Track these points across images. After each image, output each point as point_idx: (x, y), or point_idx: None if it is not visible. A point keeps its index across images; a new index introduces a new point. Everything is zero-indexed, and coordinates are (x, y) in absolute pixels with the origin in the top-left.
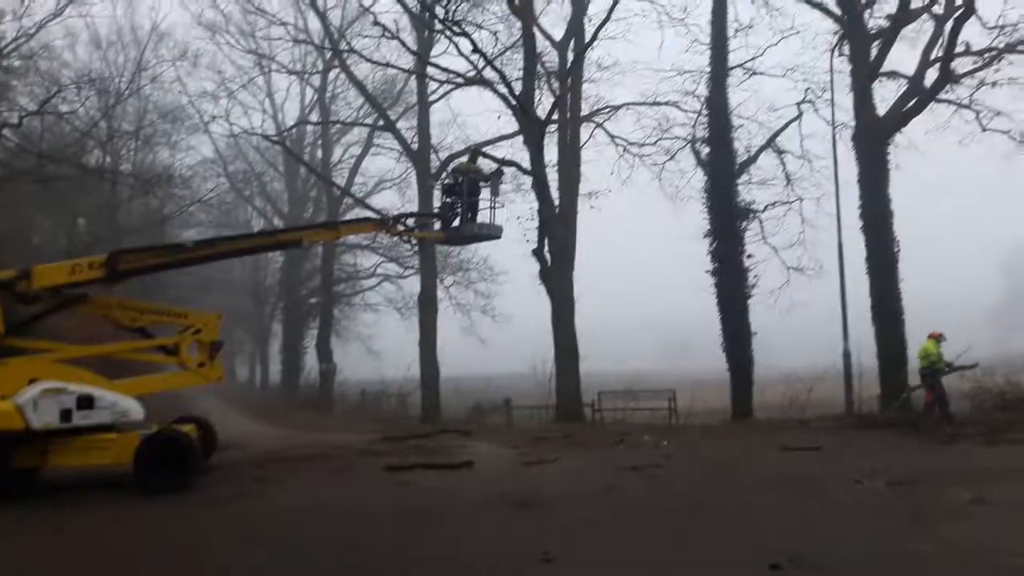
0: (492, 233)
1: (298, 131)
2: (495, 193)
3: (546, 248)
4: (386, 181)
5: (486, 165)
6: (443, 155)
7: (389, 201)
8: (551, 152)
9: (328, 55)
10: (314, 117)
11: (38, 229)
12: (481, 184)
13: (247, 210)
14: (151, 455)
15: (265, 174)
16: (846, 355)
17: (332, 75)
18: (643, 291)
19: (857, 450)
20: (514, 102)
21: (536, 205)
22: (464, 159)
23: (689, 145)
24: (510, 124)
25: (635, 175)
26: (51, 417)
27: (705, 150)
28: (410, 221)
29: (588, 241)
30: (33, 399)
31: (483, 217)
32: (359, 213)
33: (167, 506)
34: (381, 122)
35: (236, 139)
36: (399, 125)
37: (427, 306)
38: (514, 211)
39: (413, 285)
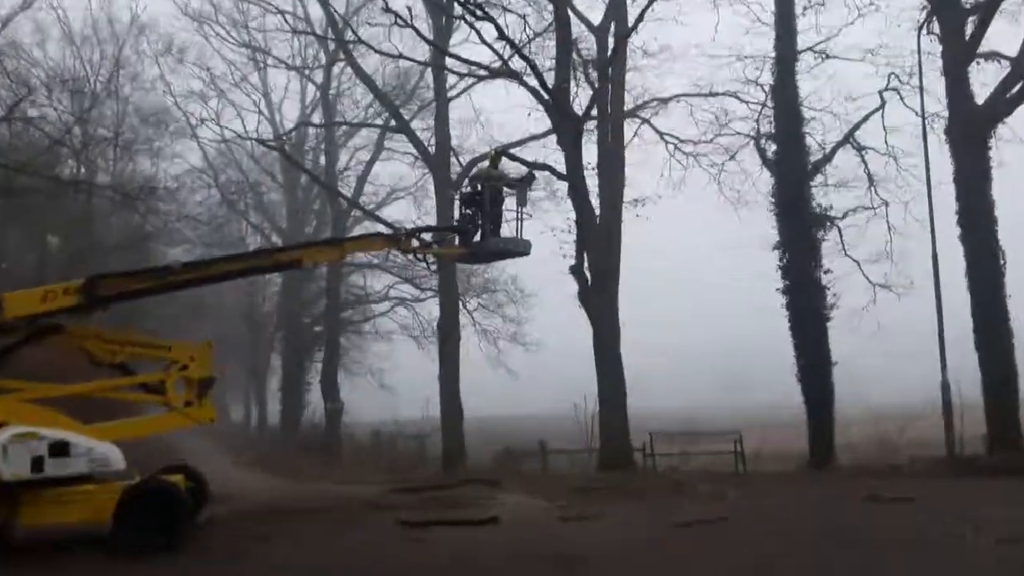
0: (519, 249)
1: (298, 134)
2: (523, 202)
3: (586, 265)
4: (399, 190)
5: (513, 169)
6: (464, 159)
7: (403, 213)
8: (590, 153)
9: (332, 47)
10: (316, 118)
11: (4, 248)
12: (506, 192)
13: (241, 226)
14: (134, 509)
15: (261, 184)
16: (945, 387)
17: (336, 70)
18: (700, 314)
19: (959, 501)
20: (546, 96)
21: (573, 215)
22: (486, 163)
23: (753, 142)
24: (542, 122)
25: (689, 178)
26: (21, 466)
27: (772, 148)
28: (427, 236)
29: (634, 256)
30: (2, 446)
31: (509, 230)
32: (368, 227)
33: (152, 568)
34: (393, 122)
35: (228, 145)
36: (414, 125)
37: (448, 334)
38: (548, 222)
39: (431, 310)
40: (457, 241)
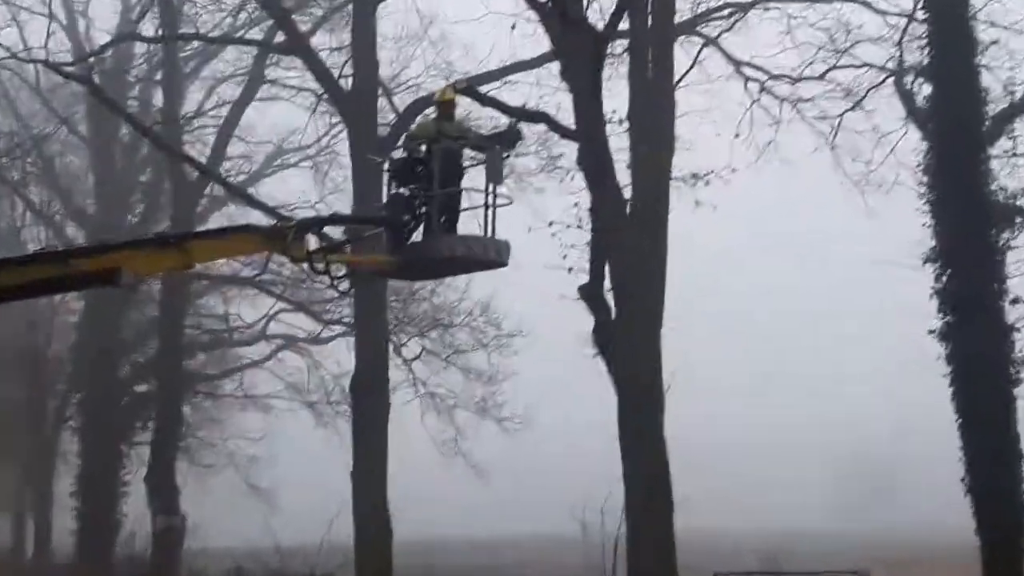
0: (488, 256)
1: (117, 55)
2: (497, 178)
3: (607, 282)
4: (290, 152)
5: (485, 119)
6: (402, 101)
7: (295, 191)
8: (616, 96)
9: None
10: (148, 29)
11: None
12: (470, 159)
13: (14, 208)
14: None
15: (53, 139)
16: None
17: None
18: (796, 373)
19: None
20: None
21: (585, 199)
22: (434, 111)
23: (892, 80)
24: (535, 41)
25: (784, 139)
26: None
27: (924, 91)
28: (333, 232)
29: (690, 270)
30: None
31: (474, 225)
32: (236, 216)
33: None
34: (281, 37)
35: None
36: (317, 42)
37: (369, 400)
38: (542, 210)
39: (341, 358)
40: (385, 241)
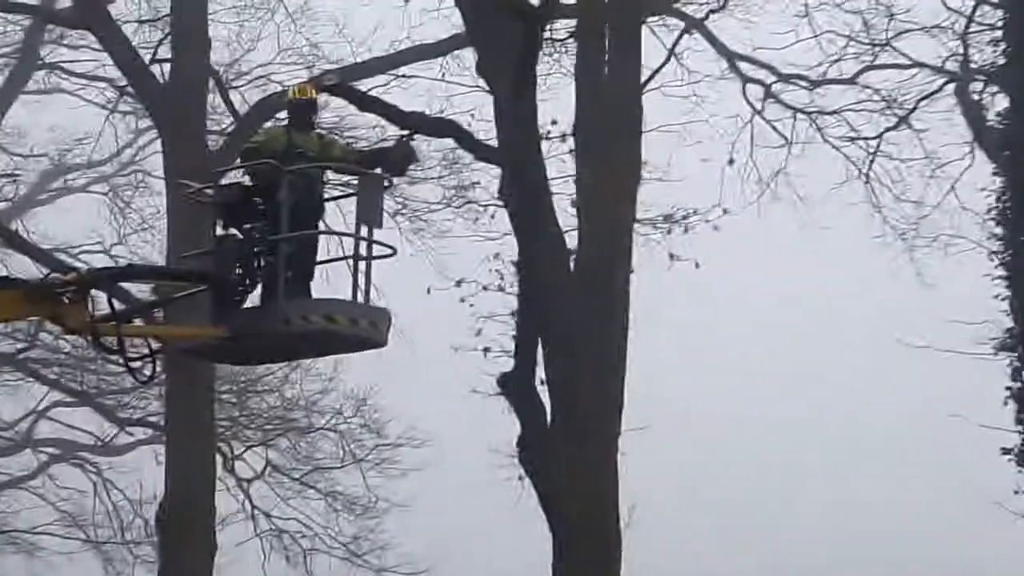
0: (358, 331)
1: None
2: (372, 216)
3: (540, 370)
4: (77, 171)
5: (363, 128)
6: (245, 99)
7: (85, 227)
8: (557, 101)
9: None
10: None
11: None
12: (332, 186)
13: None
14: None
15: None
16: None
17: None
18: (797, 504)
19: None
20: None
21: (511, 246)
22: (284, 117)
23: (954, 89)
24: (439, 22)
25: (798, 166)
26: None
27: (999, 104)
28: (134, 287)
29: (657, 349)
30: None
31: (338, 283)
32: None
33: None
34: (66, 2)
35: None
36: (117, 12)
37: (185, 538)
38: (447, 263)
39: (147, 475)
40: (210, 307)
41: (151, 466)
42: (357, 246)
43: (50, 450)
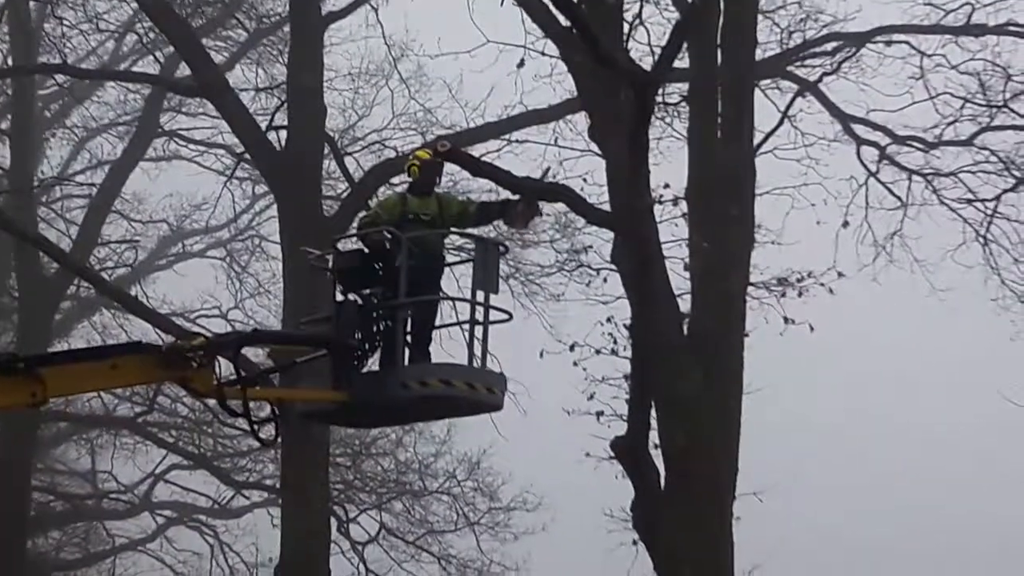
0: (477, 394)
1: None
2: (490, 283)
3: (654, 435)
4: (194, 236)
5: (476, 191)
6: (360, 165)
7: (202, 292)
8: (670, 166)
9: None
10: None
11: None
12: (454, 250)
13: None
14: None
15: None
16: None
17: None
18: None
19: None
20: (567, 19)
21: (624, 311)
22: (406, 179)
23: None
24: (551, 86)
25: (914, 229)
26: None
27: None
28: (254, 354)
29: (772, 414)
30: None
31: (456, 349)
32: (113, 325)
33: None
34: (185, 72)
35: None
36: (234, 81)
37: None
38: (560, 327)
39: (263, 538)
40: (331, 371)
41: (267, 528)
42: (474, 311)
43: (167, 513)
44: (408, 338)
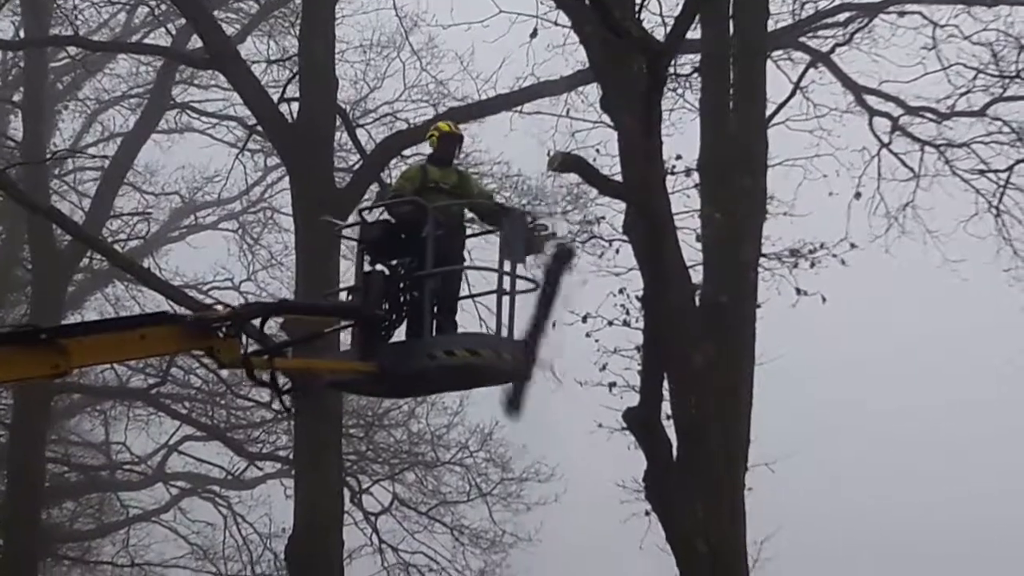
0: (504, 364)
1: None
2: (517, 254)
3: (666, 405)
4: (207, 209)
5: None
6: (372, 136)
7: (214, 264)
8: (682, 137)
9: None
10: (3, 31)
11: None
12: (477, 225)
13: None
14: None
15: None
16: None
17: None
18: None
19: None
20: None
21: (636, 282)
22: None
23: None
24: (563, 57)
25: (926, 199)
26: None
27: None
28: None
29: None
30: None
31: (482, 319)
32: (126, 297)
33: None
34: (197, 44)
35: None
36: (246, 53)
37: (314, 571)
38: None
39: (276, 509)
40: (355, 341)
41: (280, 500)
42: (500, 281)
43: (181, 484)
44: (435, 309)
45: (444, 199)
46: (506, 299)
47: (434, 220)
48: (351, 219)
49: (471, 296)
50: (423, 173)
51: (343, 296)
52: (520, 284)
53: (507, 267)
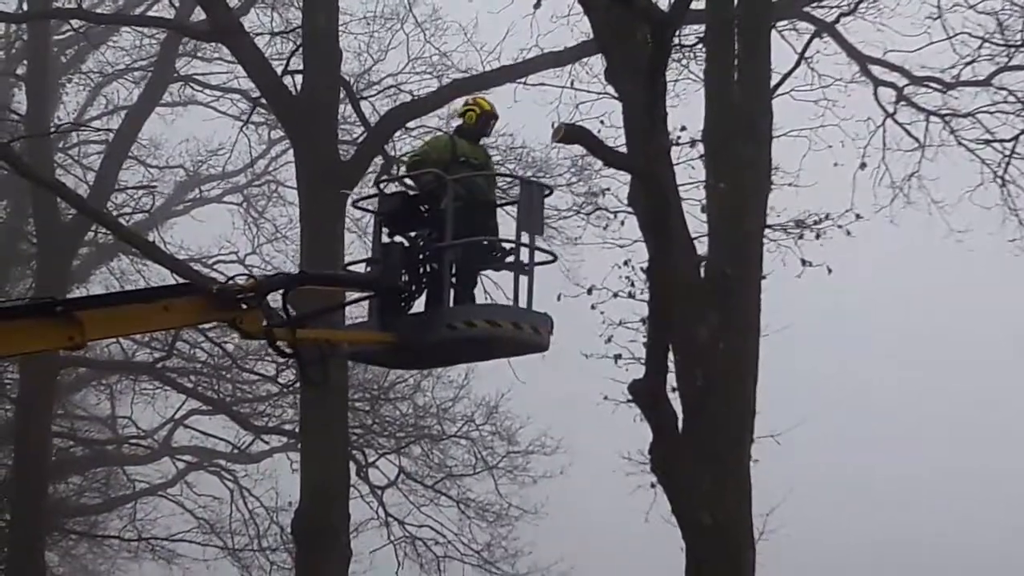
0: (524, 335)
1: None
2: (535, 225)
3: (672, 378)
4: (211, 182)
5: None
6: (376, 109)
7: (219, 237)
8: (686, 108)
9: None
10: (6, 4)
11: None
12: (493, 193)
13: None
14: None
15: None
16: None
17: None
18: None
19: None
20: None
21: (641, 253)
22: (453, 123)
23: None
24: (567, 29)
25: (932, 170)
26: None
27: None
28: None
29: (790, 359)
30: None
31: (498, 289)
32: (131, 271)
33: None
34: (200, 16)
35: None
36: (249, 25)
37: (320, 545)
38: (577, 269)
39: (283, 483)
40: (371, 312)
41: (286, 473)
42: (519, 252)
43: (187, 458)
44: (454, 280)
45: (470, 173)
46: (524, 270)
47: (455, 192)
48: (368, 191)
49: (490, 267)
50: (452, 144)
51: (362, 268)
52: (538, 256)
53: (525, 239)
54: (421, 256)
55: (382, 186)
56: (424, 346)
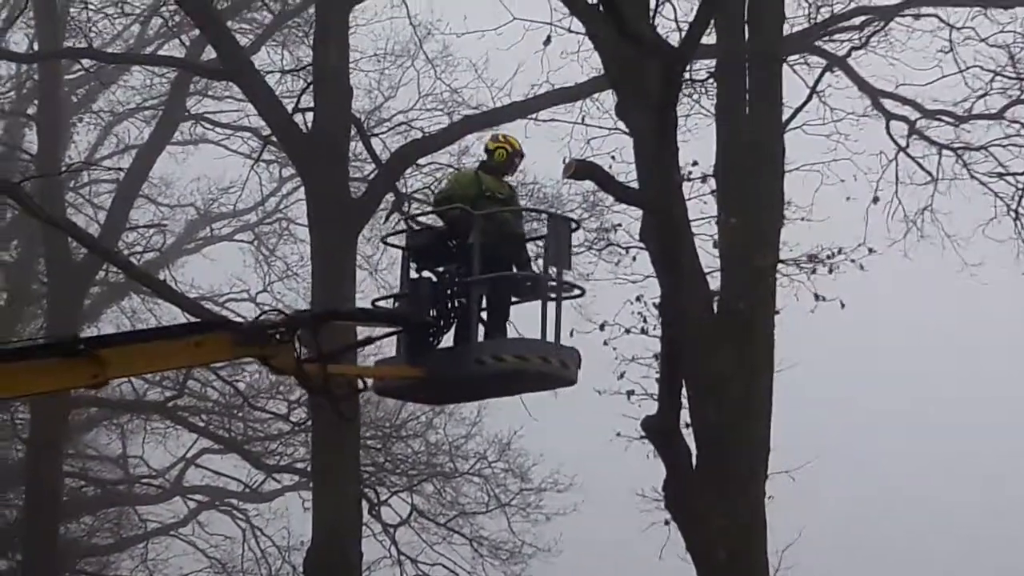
0: (553, 369)
1: None
2: (563, 260)
3: (684, 414)
4: (222, 220)
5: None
6: (387, 146)
7: (230, 275)
8: (698, 143)
9: None
10: (17, 44)
11: None
12: (520, 227)
13: None
14: None
15: None
16: None
17: None
18: None
19: None
20: None
21: (653, 289)
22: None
23: None
24: (578, 64)
25: (944, 203)
26: None
27: None
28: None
29: (805, 396)
30: None
31: (526, 323)
32: (143, 310)
33: None
34: (211, 55)
35: None
36: (260, 63)
37: None
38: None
39: (295, 522)
40: (400, 348)
41: (298, 512)
42: (546, 287)
43: (199, 497)
44: (484, 315)
45: (497, 208)
46: (552, 304)
47: (481, 228)
48: (380, 228)
49: (519, 302)
50: (478, 180)
51: (390, 303)
52: (566, 290)
53: (552, 273)
54: (449, 291)
55: (410, 222)
56: (453, 380)
